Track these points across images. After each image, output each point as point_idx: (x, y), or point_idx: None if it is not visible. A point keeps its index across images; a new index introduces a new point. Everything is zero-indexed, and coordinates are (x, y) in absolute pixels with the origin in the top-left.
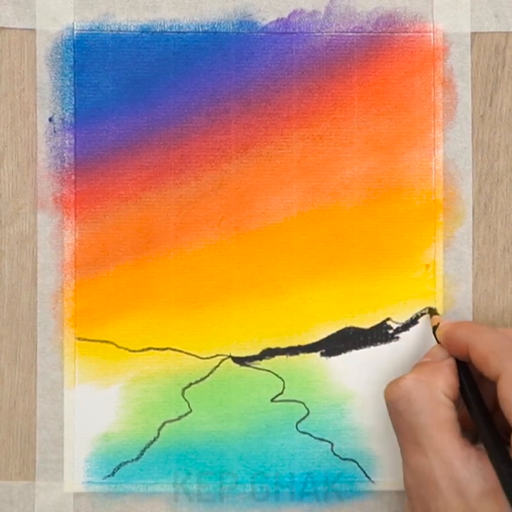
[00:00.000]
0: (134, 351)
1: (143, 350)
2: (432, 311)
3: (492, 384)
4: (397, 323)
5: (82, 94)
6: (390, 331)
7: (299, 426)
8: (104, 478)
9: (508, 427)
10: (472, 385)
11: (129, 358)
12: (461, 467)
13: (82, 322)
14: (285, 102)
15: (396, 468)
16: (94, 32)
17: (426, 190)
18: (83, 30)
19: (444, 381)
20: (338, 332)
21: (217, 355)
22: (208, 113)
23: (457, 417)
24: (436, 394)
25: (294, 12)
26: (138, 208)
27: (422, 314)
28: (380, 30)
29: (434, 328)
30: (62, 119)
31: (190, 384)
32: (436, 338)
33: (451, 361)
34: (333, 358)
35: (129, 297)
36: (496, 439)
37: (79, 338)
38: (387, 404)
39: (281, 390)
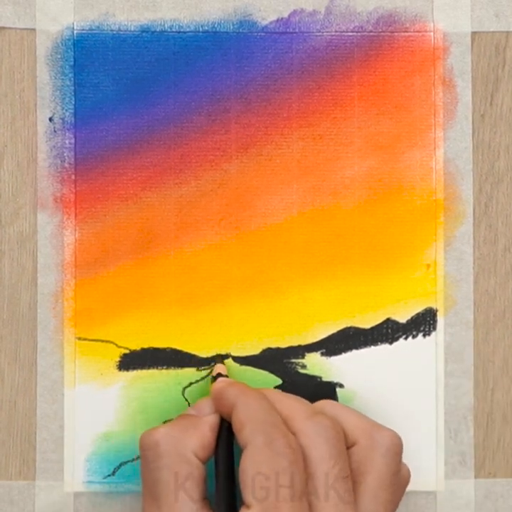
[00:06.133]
0: (134, 351)
1: (143, 349)
2: (219, 359)
3: None
4: (397, 323)
5: (82, 94)
6: (391, 331)
7: None
8: (105, 477)
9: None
10: (226, 448)
11: (129, 358)
12: None
13: (82, 322)
14: (285, 101)
15: None
16: (94, 32)
17: (426, 190)
18: (83, 30)
19: (197, 440)
20: (338, 332)
21: (217, 355)
22: (208, 113)
23: (205, 479)
24: (184, 452)
25: (294, 12)
26: (138, 208)
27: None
28: (380, 30)
29: (214, 378)
30: (62, 119)
31: (191, 383)
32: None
33: (213, 419)
34: (334, 358)
35: (129, 297)
36: (227, 508)
37: (79, 338)
38: (140, 452)
39: (281, 389)
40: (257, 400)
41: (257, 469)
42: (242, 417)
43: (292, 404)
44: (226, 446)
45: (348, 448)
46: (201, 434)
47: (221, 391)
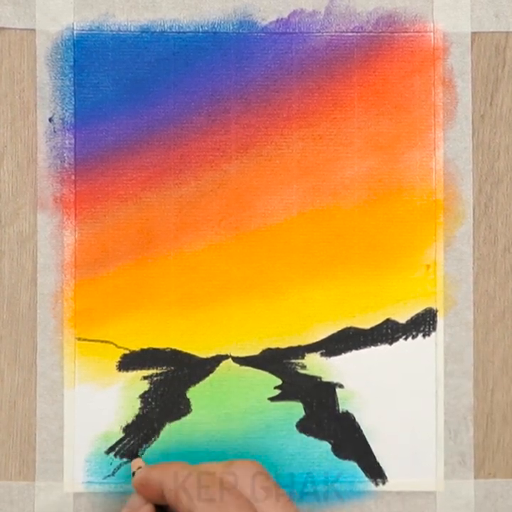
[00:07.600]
0: (134, 351)
1: (143, 350)
2: (134, 455)
3: None
4: (397, 323)
5: (82, 94)
6: (391, 331)
7: (298, 426)
8: (104, 478)
9: None
10: None
11: (129, 358)
12: None
13: (82, 322)
14: (285, 102)
15: (396, 469)
16: (94, 32)
17: (426, 190)
18: (83, 30)
19: None
20: (338, 332)
21: (217, 355)
22: (208, 113)
23: None
24: None
25: (294, 12)
26: (138, 208)
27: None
28: (380, 30)
29: (134, 473)
30: (62, 119)
31: (191, 384)
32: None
33: (148, 508)
34: (333, 358)
35: (129, 297)
36: None
37: (79, 338)
38: None
39: (281, 390)
40: (179, 465)
41: None
42: (174, 488)
43: (206, 464)
44: None
45: None
46: None
47: (144, 477)
